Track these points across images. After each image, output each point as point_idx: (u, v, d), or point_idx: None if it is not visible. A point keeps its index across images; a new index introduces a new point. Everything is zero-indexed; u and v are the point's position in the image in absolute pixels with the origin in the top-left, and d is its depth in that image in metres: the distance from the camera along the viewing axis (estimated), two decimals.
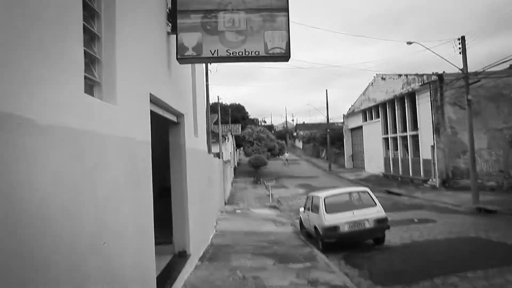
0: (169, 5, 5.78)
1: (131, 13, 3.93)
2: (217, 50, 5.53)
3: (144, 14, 4.65)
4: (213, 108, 53.72)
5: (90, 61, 3.28)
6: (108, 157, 3.04)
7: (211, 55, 5.52)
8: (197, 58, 5.54)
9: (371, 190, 11.13)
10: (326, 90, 42.44)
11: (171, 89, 5.85)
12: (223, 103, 55.85)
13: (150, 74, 4.59)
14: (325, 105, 42.49)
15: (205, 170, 9.72)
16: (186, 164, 6.69)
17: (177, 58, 5.55)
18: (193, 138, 7.86)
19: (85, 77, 3.07)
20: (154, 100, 4.86)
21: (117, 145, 3.24)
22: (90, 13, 3.31)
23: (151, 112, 4.78)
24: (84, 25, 3.11)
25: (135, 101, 3.83)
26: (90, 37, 3.29)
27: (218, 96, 36.22)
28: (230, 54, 5.52)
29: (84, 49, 3.07)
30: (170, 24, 5.75)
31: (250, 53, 5.51)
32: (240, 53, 5.51)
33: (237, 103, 64.36)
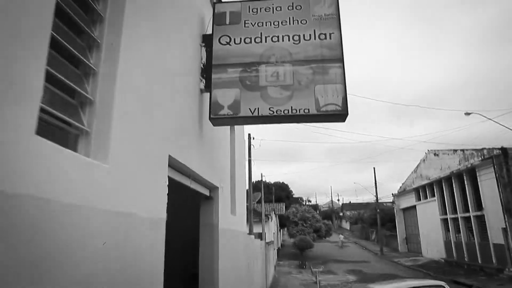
0: (204, 60, 5.06)
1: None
2: (258, 108, 4.57)
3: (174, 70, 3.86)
4: (255, 186, 53.02)
5: (80, 103, 2.35)
6: (80, 242, 1.92)
7: (250, 114, 4.56)
8: (234, 118, 4.59)
9: (445, 283, 9.02)
10: (374, 168, 40.35)
11: (202, 155, 4.86)
12: (266, 181, 54.99)
13: (172, 133, 3.62)
14: (372, 184, 40.18)
15: (244, 254, 8.32)
16: (218, 248, 5.43)
17: (210, 118, 4.64)
18: (230, 217, 6.67)
19: (66, 122, 2.12)
20: (176, 166, 3.84)
21: (100, 223, 2.12)
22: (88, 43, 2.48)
23: (172, 180, 3.74)
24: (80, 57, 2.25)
25: (143, 161, 2.79)
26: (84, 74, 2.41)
27: (261, 174, 35.27)
28: (273, 112, 4.53)
29: (75, 88, 2.18)
30: (203, 80, 4.96)
31: (298, 111, 4.49)
32: (286, 111, 4.51)
33: (280, 182, 63.27)
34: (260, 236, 21.78)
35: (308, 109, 4.49)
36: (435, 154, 29.81)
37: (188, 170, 4.22)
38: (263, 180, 34.74)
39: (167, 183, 3.36)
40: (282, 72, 4.74)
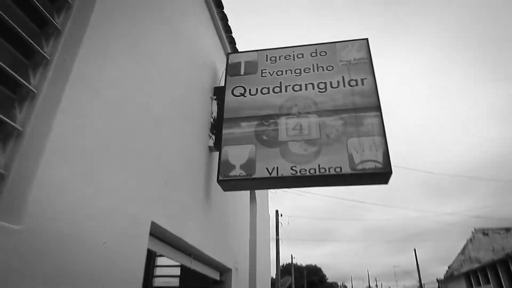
0: (214, 114, 4.34)
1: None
2: (277, 167, 3.68)
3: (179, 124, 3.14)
4: (284, 270, 49.32)
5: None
6: None
7: (268, 175, 3.66)
8: (248, 181, 3.69)
9: None
10: (415, 250, 36.99)
11: (208, 228, 3.90)
12: (297, 263, 51.52)
13: (161, 196, 2.75)
14: (413, 267, 36.54)
15: None
16: None
17: (218, 181, 3.76)
18: None
19: None
20: (164, 237, 2.90)
21: None
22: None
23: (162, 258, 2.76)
24: None
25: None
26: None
27: (292, 256, 32.74)
28: (296, 172, 3.61)
29: None
30: (213, 136, 4.19)
31: (327, 170, 3.56)
32: (312, 171, 3.58)
33: (313, 264, 59.33)
34: None
35: (340, 168, 3.55)
36: (484, 234, 26.99)
37: (185, 245, 3.25)
38: (294, 262, 32.21)
39: (144, 257, 2.40)
40: (306, 125, 3.92)
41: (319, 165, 3.60)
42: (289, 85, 4.26)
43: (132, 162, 2.36)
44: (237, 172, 3.74)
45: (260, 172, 3.69)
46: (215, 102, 4.42)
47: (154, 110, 2.79)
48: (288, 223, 44.73)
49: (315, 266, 59.14)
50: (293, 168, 3.64)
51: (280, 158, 3.73)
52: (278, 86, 4.28)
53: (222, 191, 4.09)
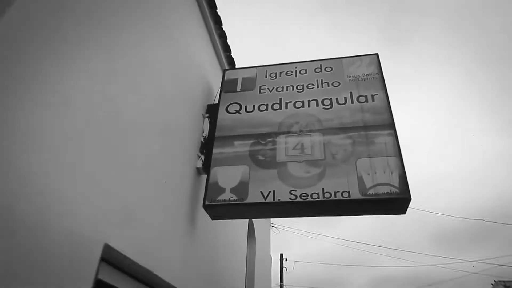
0: (205, 133, 3.86)
1: None
2: (274, 191, 3.13)
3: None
4: None
5: None
6: None
7: (262, 200, 3.10)
8: (239, 206, 3.13)
9: None
10: None
11: (192, 263, 3.28)
12: None
13: (119, 216, 2.21)
14: None
15: None
16: None
17: (204, 206, 3.21)
18: None
19: None
20: (127, 267, 2.31)
21: None
22: None
23: None
24: None
25: None
26: None
27: None
28: (296, 197, 3.05)
29: None
30: (202, 156, 3.68)
31: (332, 194, 2.99)
32: (315, 196, 3.02)
33: None
34: None
35: (349, 192, 2.99)
36: (505, 286, 25.27)
37: (157, 280, 2.64)
38: None
39: None
40: (309, 144, 3.40)
41: (323, 189, 3.05)
42: (290, 102, 3.80)
43: (93, 171, 1.84)
44: (226, 196, 3.19)
45: (254, 196, 3.13)
46: (207, 121, 3.96)
47: (131, 122, 2.32)
48: (294, 268, 42.27)
49: None
50: (293, 192, 3.09)
51: (278, 181, 3.19)
52: (277, 103, 3.83)
53: (211, 220, 3.52)
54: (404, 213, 3.05)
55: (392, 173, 3.03)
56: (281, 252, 15.84)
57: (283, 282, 15.12)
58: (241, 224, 5.37)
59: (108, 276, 2.16)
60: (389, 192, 2.92)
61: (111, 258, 2.11)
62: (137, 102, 2.55)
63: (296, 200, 3.04)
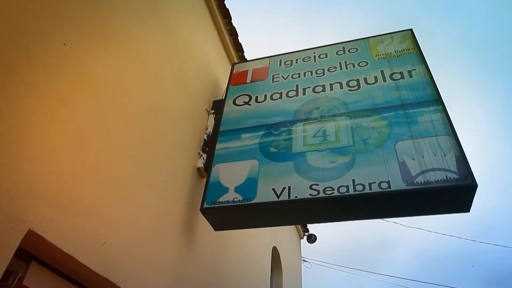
0: (210, 129, 3.26)
1: None
2: (289, 187, 2.42)
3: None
4: None
5: None
6: None
7: (275, 199, 2.40)
8: (245, 209, 2.45)
9: None
10: None
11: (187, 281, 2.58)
12: None
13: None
14: None
15: None
16: None
17: (202, 210, 2.54)
18: None
19: None
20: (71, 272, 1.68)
21: None
22: None
23: None
24: None
25: None
26: None
27: None
28: (318, 193, 2.33)
29: None
30: (204, 155, 3.05)
31: (366, 186, 2.26)
32: (344, 189, 2.29)
33: None
34: None
35: (388, 182, 2.24)
36: None
37: None
38: None
39: None
40: (333, 130, 2.71)
41: (353, 181, 2.32)
42: (308, 87, 3.17)
43: None
44: (230, 196, 2.52)
45: (264, 194, 2.44)
46: (212, 117, 3.37)
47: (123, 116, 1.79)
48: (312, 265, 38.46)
49: None
50: (314, 187, 2.37)
51: (294, 175, 2.49)
52: (293, 90, 3.20)
53: (216, 233, 2.84)
54: (469, 210, 2.24)
55: (445, 155, 2.27)
56: None
57: None
58: (263, 249, 4.59)
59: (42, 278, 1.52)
60: (445, 178, 2.15)
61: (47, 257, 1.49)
62: (136, 96, 2.05)
63: (319, 196, 2.32)
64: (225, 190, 2.57)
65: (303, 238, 7.10)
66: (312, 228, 7.26)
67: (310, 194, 2.34)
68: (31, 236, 1.45)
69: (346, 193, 2.28)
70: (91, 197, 1.77)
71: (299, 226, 6.91)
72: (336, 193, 2.29)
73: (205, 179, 3.00)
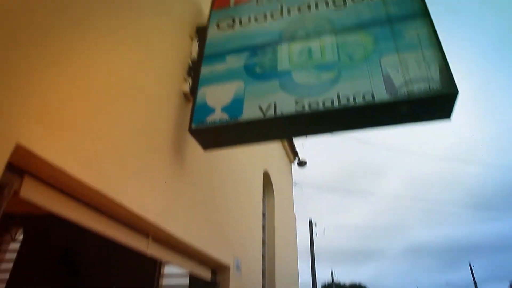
0: (194, 55, 3.21)
1: None
2: (275, 104, 2.46)
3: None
4: None
5: None
6: None
7: (261, 116, 2.44)
8: (233, 128, 2.50)
9: None
10: (470, 264, 33.62)
11: (183, 201, 2.71)
12: (340, 282, 48.56)
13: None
14: (467, 284, 33.25)
15: None
16: None
17: (190, 130, 2.59)
18: None
19: None
20: (70, 190, 1.76)
21: None
22: None
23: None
24: None
25: None
26: None
27: (332, 271, 30.33)
28: (303, 108, 2.37)
29: None
30: (189, 79, 3.04)
31: (351, 99, 2.30)
32: (328, 103, 2.33)
33: (357, 283, 55.79)
34: None
35: (372, 94, 2.28)
36: None
37: (126, 213, 2.07)
38: (335, 280, 29.86)
39: None
40: (318, 48, 2.69)
41: (338, 95, 2.35)
42: (293, 6, 3.08)
43: None
44: (217, 116, 2.56)
45: (250, 112, 2.48)
46: (196, 43, 3.29)
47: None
48: (324, 233, 41.42)
49: (360, 284, 55.59)
50: (299, 102, 2.41)
51: (280, 92, 2.52)
52: (278, 10, 3.11)
53: (206, 155, 2.92)
54: (449, 116, 2.32)
55: (429, 66, 2.29)
56: (310, 218, 15.24)
57: (313, 246, 14.63)
58: (254, 171, 4.76)
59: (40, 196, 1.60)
60: (428, 88, 2.20)
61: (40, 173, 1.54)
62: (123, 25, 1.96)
63: (304, 111, 2.36)
64: (212, 110, 2.60)
65: (293, 163, 7.32)
66: (303, 154, 7.46)
67: (296, 110, 2.39)
68: (20, 151, 1.49)
69: (330, 107, 2.32)
70: (80, 115, 1.79)
71: (289, 151, 7.07)
72: (321, 107, 2.34)
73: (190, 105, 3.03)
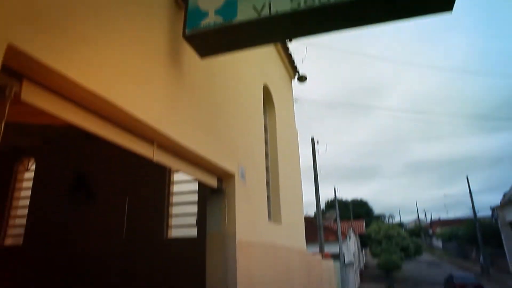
0: None
1: None
2: (269, 1, 2.39)
3: None
4: (328, 206, 48.57)
5: None
6: None
7: (256, 16, 2.38)
8: (227, 30, 2.45)
9: None
10: (467, 177, 34.74)
11: (185, 110, 2.76)
12: (342, 199, 50.93)
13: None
14: (463, 199, 34.71)
15: (300, 280, 5.91)
16: (236, 273, 3.22)
17: (184, 36, 2.55)
18: (265, 225, 4.42)
19: None
20: (67, 93, 1.80)
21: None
22: None
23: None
24: None
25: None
26: None
27: (335, 187, 31.65)
28: (299, 5, 2.30)
29: None
30: None
31: None
32: (324, 0, 2.25)
33: (359, 199, 58.57)
34: (337, 257, 18.87)
35: None
36: None
37: (129, 119, 2.14)
38: (339, 197, 31.17)
39: None
40: None
41: None
42: None
43: None
44: (210, 20, 2.50)
45: (244, 13, 2.42)
46: None
47: None
48: (326, 150, 42.35)
49: (361, 200, 58.37)
50: (294, 0, 2.33)
51: None
52: None
53: (208, 70, 2.91)
54: (451, 8, 2.25)
55: None
56: (312, 136, 15.53)
57: (316, 163, 15.12)
58: (253, 84, 4.76)
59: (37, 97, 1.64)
60: None
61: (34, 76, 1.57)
62: None
63: (299, 8, 2.30)
64: (205, 14, 2.53)
65: (294, 79, 7.28)
66: (303, 70, 7.37)
67: (291, 7, 2.32)
68: (14, 52, 1.49)
69: (326, 2, 2.25)
70: (72, 19, 1.76)
71: (289, 66, 6.98)
72: (316, 3, 2.27)
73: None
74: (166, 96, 2.51)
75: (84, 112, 1.96)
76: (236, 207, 3.44)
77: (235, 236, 3.34)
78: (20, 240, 7.33)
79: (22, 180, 8.15)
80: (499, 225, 34.48)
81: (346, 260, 21.30)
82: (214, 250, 3.30)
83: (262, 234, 4.13)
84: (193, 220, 5.99)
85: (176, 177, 5.87)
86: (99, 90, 1.86)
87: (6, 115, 1.61)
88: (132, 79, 2.16)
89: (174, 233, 6.13)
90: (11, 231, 7.72)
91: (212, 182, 3.39)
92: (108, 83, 1.93)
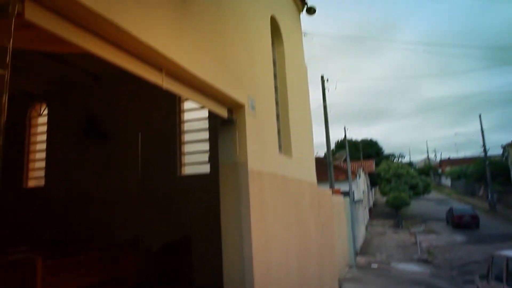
0: None
1: None
2: None
3: None
4: (338, 146, 48.84)
5: None
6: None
7: None
8: None
9: None
10: (480, 115, 34.21)
11: (193, 36, 2.72)
12: (352, 139, 51.02)
13: None
14: (473, 138, 34.44)
15: (311, 212, 6.14)
16: (249, 201, 3.35)
17: None
18: (275, 156, 4.49)
19: None
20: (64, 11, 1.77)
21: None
22: None
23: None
24: None
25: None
26: None
27: (345, 127, 31.59)
28: None
29: None
30: None
31: None
32: None
33: (368, 139, 58.60)
34: (347, 195, 19.38)
35: None
36: None
37: (136, 44, 2.12)
38: (348, 137, 31.18)
39: None
40: None
41: None
42: None
43: None
44: None
45: None
46: None
47: None
48: (336, 88, 42.37)
49: (371, 140, 58.39)
50: None
51: None
52: None
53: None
54: None
55: None
56: (322, 74, 15.21)
57: (326, 102, 14.99)
58: (260, 15, 4.60)
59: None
60: None
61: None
62: None
63: None
64: None
65: (302, 12, 7.00)
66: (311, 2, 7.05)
67: None
68: None
69: None
70: None
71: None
72: None
73: None
74: (174, 22, 2.46)
75: (90, 36, 1.94)
76: (247, 137, 3.49)
77: (246, 165, 3.43)
78: (42, 182, 7.67)
79: (36, 125, 8.36)
80: (509, 162, 34.62)
81: (356, 197, 21.87)
82: (227, 180, 3.42)
83: (273, 165, 4.23)
84: (205, 158, 6.15)
85: (186, 105, 6.07)
86: (104, 11, 1.82)
87: (12, 32, 1.60)
88: (139, 1, 2.11)
89: (188, 171, 6.33)
90: (32, 174, 8.07)
91: (223, 112, 3.41)
92: (114, 4, 1.89)
